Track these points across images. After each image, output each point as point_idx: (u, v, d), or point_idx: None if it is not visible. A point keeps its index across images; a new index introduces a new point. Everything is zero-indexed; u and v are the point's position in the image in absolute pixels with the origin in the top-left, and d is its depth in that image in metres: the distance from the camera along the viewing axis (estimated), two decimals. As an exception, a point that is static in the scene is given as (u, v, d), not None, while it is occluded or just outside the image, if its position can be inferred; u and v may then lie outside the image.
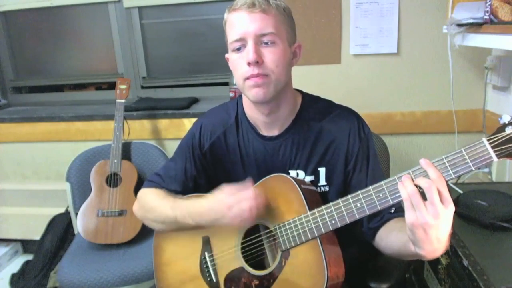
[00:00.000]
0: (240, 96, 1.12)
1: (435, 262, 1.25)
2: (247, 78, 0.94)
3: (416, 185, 0.74)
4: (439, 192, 0.72)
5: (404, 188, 0.75)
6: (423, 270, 1.38)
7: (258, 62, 0.92)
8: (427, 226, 0.72)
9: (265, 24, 0.93)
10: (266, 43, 0.94)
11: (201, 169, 1.13)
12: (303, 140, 1.04)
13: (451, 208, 0.72)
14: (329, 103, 1.10)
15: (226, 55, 1.02)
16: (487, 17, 1.32)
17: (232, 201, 0.91)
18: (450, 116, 1.80)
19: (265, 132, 1.07)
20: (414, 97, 1.89)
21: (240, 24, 0.93)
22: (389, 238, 0.95)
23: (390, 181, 0.80)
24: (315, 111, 1.06)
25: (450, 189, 1.41)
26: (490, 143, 0.71)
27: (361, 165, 1.03)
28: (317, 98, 1.11)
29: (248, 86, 0.95)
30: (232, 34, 0.95)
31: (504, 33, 1.25)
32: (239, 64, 0.95)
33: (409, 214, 0.74)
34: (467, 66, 1.81)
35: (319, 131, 1.04)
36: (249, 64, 0.92)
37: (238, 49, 0.95)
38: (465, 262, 1.02)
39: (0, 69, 2.44)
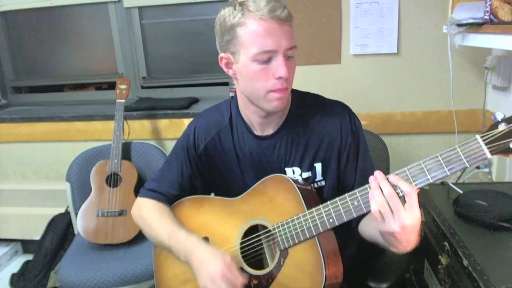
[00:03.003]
0: (232, 97, 1.12)
1: (435, 262, 1.25)
2: (272, 91, 0.93)
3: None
4: (409, 203, 0.76)
5: (374, 200, 0.79)
6: (423, 270, 1.38)
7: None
8: (396, 233, 0.77)
9: (292, 38, 0.92)
10: (289, 57, 0.93)
11: (197, 171, 1.14)
12: (297, 137, 1.05)
13: (417, 217, 0.77)
14: (319, 98, 1.10)
15: (222, 55, 0.99)
16: (487, 17, 1.32)
17: (219, 278, 0.93)
18: (450, 116, 1.80)
19: (259, 132, 1.07)
20: (414, 97, 1.89)
21: (272, 36, 0.89)
22: (368, 228, 0.99)
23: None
24: (306, 107, 1.07)
25: (449, 189, 1.41)
26: (483, 140, 0.73)
27: (353, 158, 1.04)
28: (306, 94, 1.11)
29: (272, 98, 0.94)
30: (259, 44, 0.89)
31: (504, 33, 1.25)
32: (264, 76, 0.92)
33: (378, 224, 0.81)
34: (467, 66, 1.81)
35: (312, 126, 1.04)
36: (279, 78, 0.91)
37: (264, 61, 0.91)
38: (465, 262, 1.02)
39: (0, 69, 2.45)
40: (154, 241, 1.12)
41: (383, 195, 0.77)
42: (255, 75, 0.93)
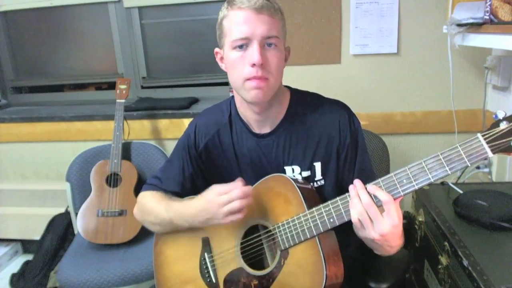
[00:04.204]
0: (233, 96, 1.12)
1: (435, 262, 1.25)
2: (248, 79, 0.94)
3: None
4: (388, 212, 0.79)
5: (354, 209, 0.82)
6: (423, 270, 1.38)
7: (262, 64, 0.92)
8: (375, 240, 0.81)
9: (271, 27, 0.93)
10: (270, 45, 0.94)
11: (198, 170, 1.14)
12: (295, 135, 1.05)
13: (395, 224, 0.79)
14: (317, 97, 1.10)
15: (217, 49, 1.03)
16: (487, 17, 1.32)
17: (222, 200, 0.92)
18: (450, 116, 1.80)
19: (257, 130, 1.07)
20: (414, 97, 1.89)
21: (247, 23, 0.92)
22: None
23: (387, 178, 0.82)
24: (304, 105, 1.07)
25: (449, 189, 1.41)
26: (485, 139, 0.73)
27: (351, 157, 1.04)
28: (305, 93, 1.11)
29: (248, 87, 0.95)
30: (235, 31, 0.93)
31: (504, 33, 1.25)
32: (240, 64, 0.94)
33: (358, 231, 0.85)
34: (467, 66, 1.81)
35: (310, 125, 1.04)
36: (253, 65, 0.92)
37: (240, 47, 0.93)
38: (465, 262, 1.02)
39: (0, 69, 2.45)
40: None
41: (362, 204, 0.81)
42: (234, 63, 0.96)
